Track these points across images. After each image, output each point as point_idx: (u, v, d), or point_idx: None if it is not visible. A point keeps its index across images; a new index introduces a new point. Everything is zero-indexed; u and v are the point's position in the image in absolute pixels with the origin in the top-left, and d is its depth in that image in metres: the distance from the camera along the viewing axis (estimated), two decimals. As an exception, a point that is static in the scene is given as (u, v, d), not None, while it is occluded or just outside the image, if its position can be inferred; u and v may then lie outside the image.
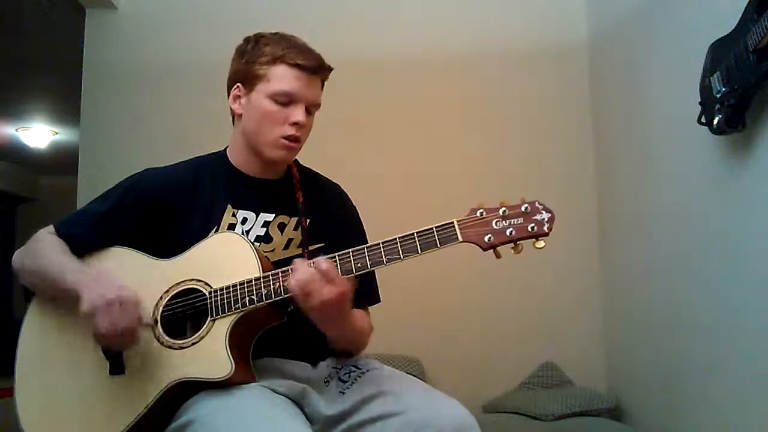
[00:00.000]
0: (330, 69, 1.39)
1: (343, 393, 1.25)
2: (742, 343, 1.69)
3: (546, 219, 1.15)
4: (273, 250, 1.35)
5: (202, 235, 1.31)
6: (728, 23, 1.61)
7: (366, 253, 1.18)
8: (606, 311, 2.70)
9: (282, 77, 1.32)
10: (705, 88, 1.71)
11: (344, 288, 1.15)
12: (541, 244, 1.15)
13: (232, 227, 1.34)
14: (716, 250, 1.82)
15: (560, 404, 2.35)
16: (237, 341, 1.21)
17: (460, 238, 1.15)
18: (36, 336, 1.33)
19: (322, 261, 1.15)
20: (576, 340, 2.70)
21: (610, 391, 2.60)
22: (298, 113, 1.32)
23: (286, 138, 1.33)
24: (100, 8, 2.89)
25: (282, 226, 1.38)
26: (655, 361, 2.24)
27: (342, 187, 1.52)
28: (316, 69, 1.34)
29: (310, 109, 1.36)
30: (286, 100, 1.32)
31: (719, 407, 1.81)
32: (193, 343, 1.21)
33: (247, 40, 1.39)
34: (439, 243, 1.15)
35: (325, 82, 1.41)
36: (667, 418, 2.16)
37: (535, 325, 2.71)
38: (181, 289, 1.27)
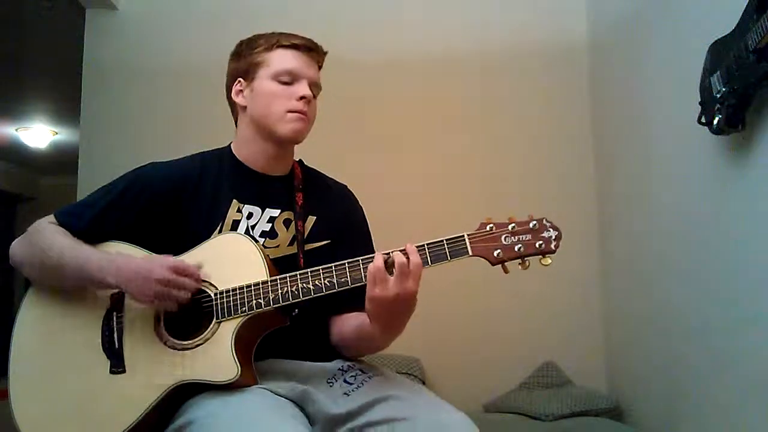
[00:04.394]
0: (325, 52, 1.42)
1: (348, 395, 1.24)
2: (741, 343, 1.68)
3: (553, 237, 1.18)
4: (278, 246, 1.35)
5: (206, 229, 1.31)
6: (728, 23, 1.61)
7: None
8: (606, 311, 2.70)
9: (282, 58, 1.36)
10: (705, 88, 1.71)
11: (402, 289, 1.12)
12: (547, 261, 1.18)
13: (236, 223, 1.34)
14: (716, 250, 1.82)
15: (560, 404, 2.35)
16: (242, 344, 1.21)
17: (470, 252, 1.17)
18: (31, 332, 1.31)
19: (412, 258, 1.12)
20: (576, 340, 2.70)
21: (610, 391, 2.60)
22: (302, 88, 1.35)
23: (295, 111, 1.35)
24: (100, 8, 2.89)
25: (288, 222, 1.37)
26: (655, 361, 2.24)
27: (349, 188, 1.52)
28: (312, 48, 1.39)
29: (313, 90, 1.38)
30: (289, 78, 1.35)
31: (719, 407, 1.81)
32: (198, 345, 1.21)
33: (240, 43, 1.44)
34: (450, 256, 1.16)
35: (322, 69, 1.43)
36: (667, 418, 2.15)
37: (535, 325, 2.70)
38: None
